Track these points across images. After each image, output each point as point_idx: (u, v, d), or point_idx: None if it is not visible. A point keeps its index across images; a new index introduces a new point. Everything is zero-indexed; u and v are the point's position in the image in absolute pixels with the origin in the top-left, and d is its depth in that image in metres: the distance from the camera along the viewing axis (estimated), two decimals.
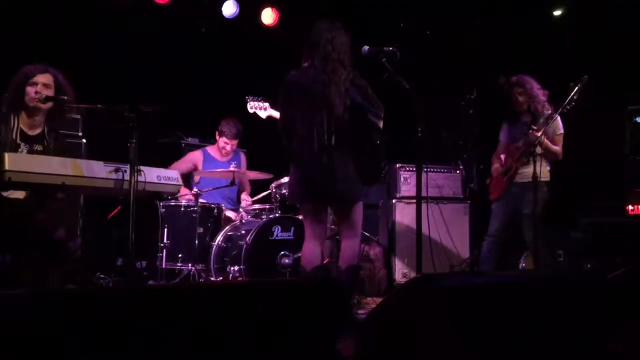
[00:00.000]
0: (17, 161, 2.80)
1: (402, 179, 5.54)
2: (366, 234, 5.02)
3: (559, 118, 4.40)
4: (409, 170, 5.53)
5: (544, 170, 4.35)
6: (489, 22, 6.54)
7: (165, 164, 3.79)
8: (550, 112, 4.34)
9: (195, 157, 5.22)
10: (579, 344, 2.17)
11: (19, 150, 3.33)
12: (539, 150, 4.25)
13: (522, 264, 5.34)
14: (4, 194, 3.13)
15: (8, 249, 3.12)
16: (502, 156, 4.59)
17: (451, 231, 5.23)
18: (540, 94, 4.44)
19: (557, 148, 4.37)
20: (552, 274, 3.70)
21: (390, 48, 3.39)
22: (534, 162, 4.17)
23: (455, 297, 2.07)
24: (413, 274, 5.24)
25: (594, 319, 2.23)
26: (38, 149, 3.41)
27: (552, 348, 2.10)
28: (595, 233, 5.19)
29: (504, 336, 2.05)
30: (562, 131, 4.42)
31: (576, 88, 4.06)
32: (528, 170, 4.29)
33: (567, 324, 2.17)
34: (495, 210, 4.57)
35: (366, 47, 3.43)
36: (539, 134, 4.20)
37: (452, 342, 1.96)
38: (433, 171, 5.25)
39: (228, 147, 5.12)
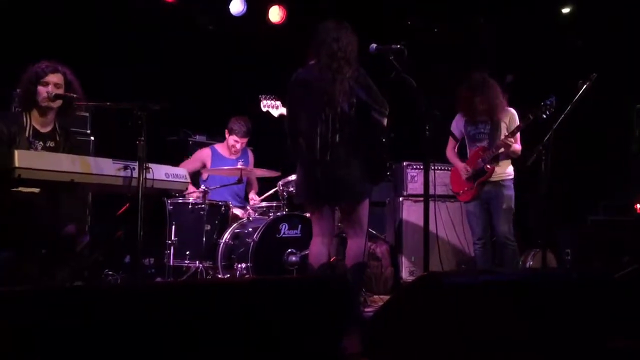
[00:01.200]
0: (26, 158, 2.81)
1: (409, 177, 5.54)
2: (373, 231, 5.02)
3: (513, 111, 4.58)
4: (416, 169, 5.53)
5: (509, 169, 4.55)
6: (496, 19, 6.52)
7: (173, 161, 3.81)
8: (507, 112, 4.55)
9: (203, 155, 5.24)
10: (586, 341, 2.17)
11: (33, 148, 3.35)
12: (502, 150, 4.46)
13: (529, 262, 5.33)
14: (14, 190, 3.14)
15: (17, 245, 3.14)
16: (471, 161, 4.63)
17: (458, 229, 5.22)
18: (503, 97, 4.56)
19: (519, 147, 4.50)
20: (559, 272, 3.70)
21: (398, 46, 3.39)
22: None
23: (463, 295, 2.08)
24: (420, 272, 5.24)
25: (601, 318, 2.23)
26: (51, 145, 3.44)
27: (559, 346, 2.10)
28: (603, 231, 5.18)
29: (511, 334, 2.06)
30: (517, 123, 4.50)
31: (585, 86, 4.05)
32: (496, 169, 4.50)
33: (574, 322, 2.17)
34: (473, 212, 4.62)
35: (374, 45, 3.43)
36: (513, 142, 4.41)
37: (459, 339, 1.96)
38: (440, 169, 5.25)
39: (238, 146, 5.14)
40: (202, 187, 4.82)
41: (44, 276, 3.11)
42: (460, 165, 4.66)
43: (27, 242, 3.11)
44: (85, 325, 1.57)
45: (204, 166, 5.18)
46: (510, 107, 4.61)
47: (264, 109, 4.24)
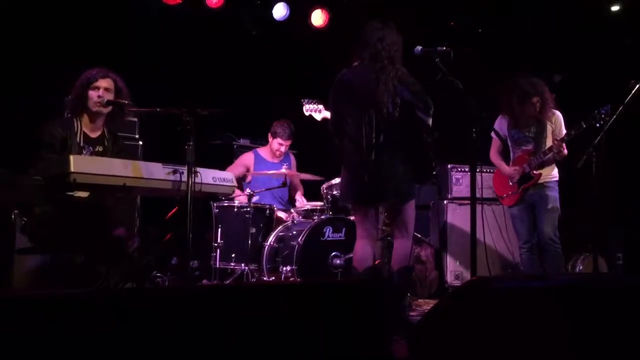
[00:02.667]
0: (81, 163, 2.90)
1: (453, 180, 5.48)
2: (417, 235, 4.98)
3: (561, 117, 4.47)
4: (461, 171, 5.47)
5: (554, 172, 4.46)
6: (542, 19, 6.40)
7: (217, 165, 3.86)
8: (553, 115, 4.46)
9: (247, 159, 5.30)
10: (637, 349, 2.10)
11: (84, 152, 3.45)
12: (550, 156, 4.38)
13: (579, 267, 5.21)
14: (68, 194, 3.24)
15: (71, 248, 3.23)
16: (516, 166, 4.55)
17: (504, 233, 5.14)
18: (551, 101, 4.45)
19: (566, 151, 4.38)
20: (610, 277, 3.60)
21: (444, 48, 3.36)
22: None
23: (513, 300, 2.04)
24: (465, 276, 5.18)
25: None
26: (99, 149, 3.54)
27: (610, 352, 2.05)
28: None
29: (563, 339, 2.01)
30: (565, 131, 4.40)
31: (637, 86, 3.94)
32: (542, 172, 4.42)
33: (626, 328, 2.12)
34: (518, 216, 4.54)
35: (419, 48, 3.42)
36: (563, 148, 4.32)
37: (509, 345, 1.93)
38: (486, 172, 5.18)
39: (283, 149, 5.18)
40: (247, 190, 4.87)
41: (98, 278, 3.19)
42: (508, 169, 4.58)
43: (82, 244, 3.20)
44: (138, 327, 1.60)
45: (247, 170, 5.24)
46: (556, 109, 4.52)
47: (307, 113, 4.26)
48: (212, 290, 2.18)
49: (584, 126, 4.22)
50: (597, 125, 4.15)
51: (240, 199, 4.84)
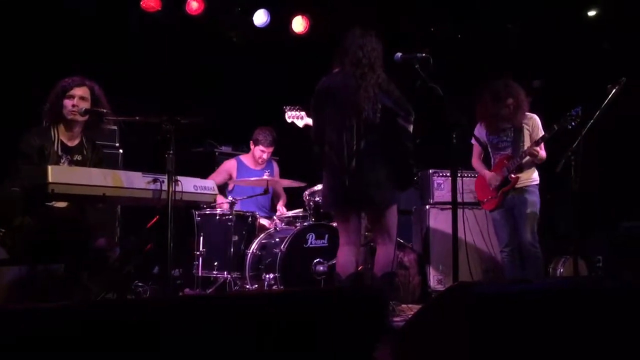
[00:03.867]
0: (59, 173, 2.87)
1: (435, 185, 5.51)
2: (400, 240, 4.99)
3: (538, 120, 4.52)
4: (443, 176, 5.49)
5: (534, 175, 4.50)
6: (521, 24, 6.46)
7: (199, 173, 3.84)
8: (529, 118, 4.51)
9: (229, 167, 5.28)
10: (622, 352, 2.12)
11: (61, 161, 3.42)
12: (527, 159, 4.43)
13: (560, 270, 5.25)
14: (47, 205, 3.21)
15: (51, 259, 3.19)
16: (496, 170, 4.59)
17: (485, 237, 5.17)
18: (526, 103, 4.49)
19: (544, 154, 4.43)
20: (592, 280, 3.64)
21: (423, 54, 3.38)
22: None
23: (494, 305, 2.05)
24: (448, 281, 5.19)
25: (634, 327, 2.19)
26: (77, 159, 3.50)
27: (595, 357, 2.06)
28: (634, 237, 5.08)
29: (545, 345, 2.03)
30: (542, 133, 4.45)
31: (614, 90, 3.99)
32: (520, 176, 4.45)
33: (606, 333, 2.13)
34: (498, 220, 4.58)
35: (399, 54, 3.43)
36: (539, 151, 4.36)
37: (491, 350, 1.94)
38: (467, 176, 5.21)
39: (265, 155, 5.17)
40: (230, 198, 4.85)
41: (78, 289, 3.15)
42: (488, 173, 4.62)
43: (61, 255, 3.16)
44: (121, 340, 1.58)
45: (230, 177, 5.22)
46: (534, 112, 4.56)
47: (289, 120, 4.26)
48: (193, 300, 2.16)
49: (556, 128, 4.28)
50: (569, 127, 4.21)
51: (223, 207, 4.82)
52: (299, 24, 6.26)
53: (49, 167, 2.84)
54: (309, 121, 3.94)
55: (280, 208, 5.28)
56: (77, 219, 3.12)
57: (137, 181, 3.11)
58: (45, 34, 5.04)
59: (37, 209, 3.06)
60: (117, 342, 1.56)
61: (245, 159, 5.32)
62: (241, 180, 5.11)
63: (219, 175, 5.18)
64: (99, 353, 1.53)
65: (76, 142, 3.54)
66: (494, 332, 1.97)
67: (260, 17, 6.08)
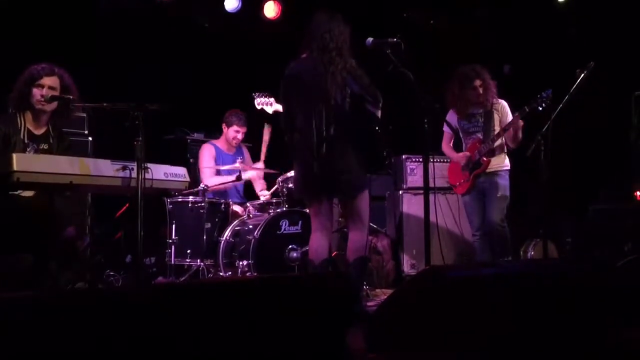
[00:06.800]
0: (24, 161, 2.81)
1: (408, 170, 5.53)
2: (374, 225, 5.01)
3: (506, 105, 4.58)
4: (415, 161, 5.52)
5: (506, 161, 4.56)
6: (492, 10, 6.50)
7: (172, 160, 3.81)
8: (498, 103, 4.56)
9: (211, 151, 5.21)
10: (588, 332, 2.16)
11: (28, 149, 3.34)
12: (499, 142, 4.48)
13: (530, 253, 5.33)
14: (13, 194, 3.14)
15: (19, 249, 3.13)
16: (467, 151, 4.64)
17: (458, 221, 5.22)
18: (493, 86, 4.53)
19: (520, 137, 4.47)
20: (560, 263, 3.70)
21: (395, 39, 3.37)
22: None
23: (465, 288, 2.07)
24: (421, 265, 5.24)
25: (604, 308, 2.23)
26: (44, 147, 3.43)
27: (562, 337, 2.10)
28: (603, 220, 5.18)
29: (515, 326, 2.06)
30: (511, 117, 4.50)
31: (582, 75, 4.04)
32: (492, 160, 4.50)
33: (576, 313, 2.17)
34: (470, 204, 4.62)
35: (370, 39, 3.42)
36: (518, 133, 4.41)
37: (463, 331, 1.96)
38: (440, 162, 5.24)
39: (239, 135, 5.14)
40: (202, 185, 4.81)
41: (46, 278, 3.10)
42: (458, 155, 4.66)
43: (28, 245, 3.10)
44: (90, 329, 1.56)
45: (214, 161, 5.17)
46: (503, 98, 4.60)
47: (258, 107, 4.23)
48: (166, 289, 2.14)
49: (527, 110, 4.32)
50: (540, 108, 4.26)
51: (214, 188, 4.85)
52: (270, 9, 6.21)
53: (14, 155, 2.78)
54: (279, 107, 3.91)
55: (263, 192, 5.23)
56: (44, 208, 3.05)
57: (106, 169, 3.06)
58: (9, 18, 4.91)
59: (3, 198, 2.99)
60: (85, 332, 1.54)
61: (219, 143, 5.26)
62: (216, 167, 5.07)
63: (210, 161, 5.12)
64: (67, 343, 1.51)
65: (43, 130, 3.47)
66: (464, 313, 1.99)
67: (232, 3, 6.01)
